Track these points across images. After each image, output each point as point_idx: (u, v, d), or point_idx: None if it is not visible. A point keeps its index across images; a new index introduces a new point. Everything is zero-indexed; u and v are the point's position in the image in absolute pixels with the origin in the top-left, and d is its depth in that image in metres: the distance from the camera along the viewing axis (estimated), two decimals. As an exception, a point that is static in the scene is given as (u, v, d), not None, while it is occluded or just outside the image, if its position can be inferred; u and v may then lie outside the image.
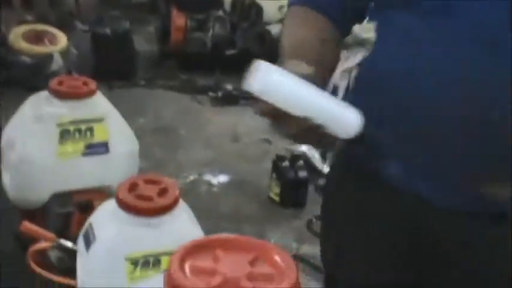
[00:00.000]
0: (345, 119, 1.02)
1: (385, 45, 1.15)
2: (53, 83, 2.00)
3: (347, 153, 1.24)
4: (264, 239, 2.45)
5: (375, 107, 1.09)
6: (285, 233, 2.56)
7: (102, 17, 3.90)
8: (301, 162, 2.85)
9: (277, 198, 2.76)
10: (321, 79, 1.06)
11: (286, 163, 2.79)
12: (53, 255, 1.87)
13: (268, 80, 0.98)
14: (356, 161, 1.19)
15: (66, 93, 1.99)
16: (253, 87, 0.97)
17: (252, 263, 0.91)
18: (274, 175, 2.78)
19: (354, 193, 1.22)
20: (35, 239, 1.79)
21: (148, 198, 1.39)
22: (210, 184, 2.89)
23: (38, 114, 1.98)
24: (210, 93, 3.79)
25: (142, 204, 1.38)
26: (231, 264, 0.89)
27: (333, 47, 1.19)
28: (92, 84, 2.03)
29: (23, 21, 3.71)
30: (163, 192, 1.41)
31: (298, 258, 2.38)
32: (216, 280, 0.86)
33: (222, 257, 0.90)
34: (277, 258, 0.91)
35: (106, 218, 1.41)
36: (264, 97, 0.98)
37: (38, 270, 1.72)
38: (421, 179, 1.12)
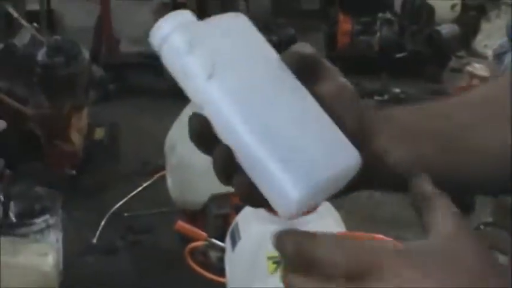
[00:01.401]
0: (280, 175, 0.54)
1: None
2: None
3: None
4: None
5: None
6: (449, 239, 2.45)
7: (268, 25, 3.99)
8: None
9: (442, 203, 2.65)
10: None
11: (451, 166, 2.67)
12: (213, 255, 1.95)
13: (171, 34, 0.61)
14: None
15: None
16: (153, 40, 0.63)
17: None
18: (438, 179, 2.68)
19: None
20: (195, 239, 1.88)
21: (291, 198, 1.40)
22: (372, 188, 2.84)
23: (196, 119, 2.06)
24: (376, 97, 3.75)
25: (285, 204, 1.39)
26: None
27: None
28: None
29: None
30: (306, 192, 1.41)
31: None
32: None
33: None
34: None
35: (250, 217, 1.44)
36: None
37: (196, 268, 1.80)
38: None
